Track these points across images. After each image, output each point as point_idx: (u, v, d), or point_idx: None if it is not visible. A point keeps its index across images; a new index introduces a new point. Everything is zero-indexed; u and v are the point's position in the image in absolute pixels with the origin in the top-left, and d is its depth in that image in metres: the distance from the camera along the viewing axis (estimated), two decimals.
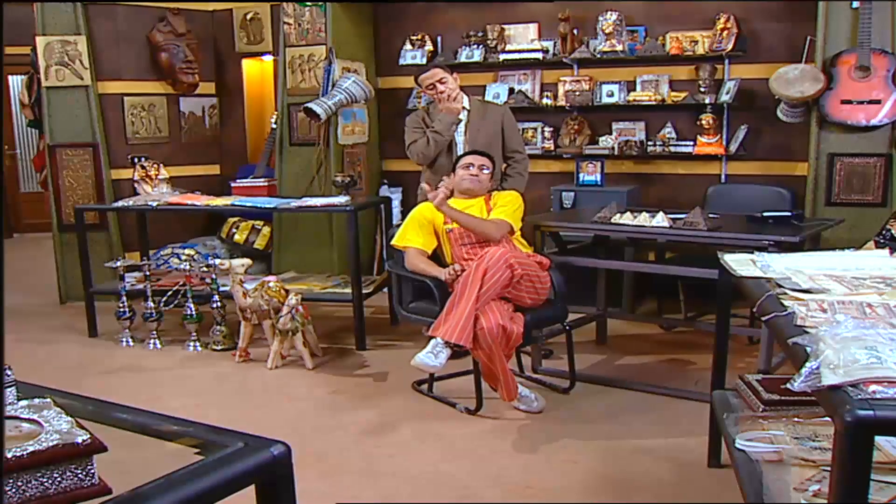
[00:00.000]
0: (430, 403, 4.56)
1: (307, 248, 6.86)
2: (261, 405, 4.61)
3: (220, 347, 5.61)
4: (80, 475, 1.12)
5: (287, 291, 5.24)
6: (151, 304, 5.73)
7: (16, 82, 10.84)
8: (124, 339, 5.83)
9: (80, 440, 1.13)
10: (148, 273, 5.82)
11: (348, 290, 5.62)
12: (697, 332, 5.61)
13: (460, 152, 5.07)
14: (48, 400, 1.29)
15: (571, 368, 4.65)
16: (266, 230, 7.07)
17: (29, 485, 1.09)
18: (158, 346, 5.75)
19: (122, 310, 5.79)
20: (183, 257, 6.60)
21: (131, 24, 7.05)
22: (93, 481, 1.13)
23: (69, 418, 1.21)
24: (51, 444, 1.11)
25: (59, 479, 1.11)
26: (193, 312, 5.65)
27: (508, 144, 5.28)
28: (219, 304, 5.62)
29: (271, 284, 5.25)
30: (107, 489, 1.14)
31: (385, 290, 6.09)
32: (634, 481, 3.56)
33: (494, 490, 3.50)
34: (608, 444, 3.94)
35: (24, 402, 1.28)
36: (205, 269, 5.71)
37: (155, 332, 5.78)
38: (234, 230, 7.14)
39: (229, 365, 5.33)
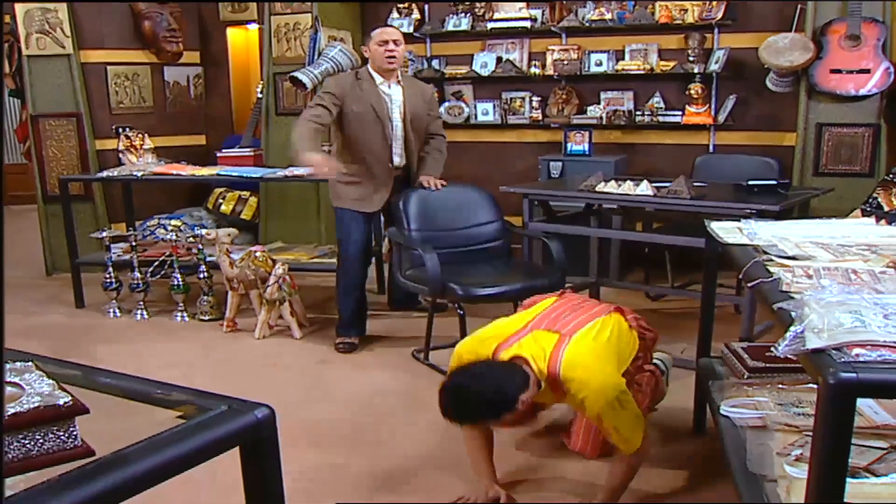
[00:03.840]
0: (423, 372, 4.56)
1: (294, 219, 6.83)
2: (248, 375, 4.61)
3: (207, 318, 5.60)
4: (62, 437, 1.12)
5: (274, 261, 5.23)
6: (138, 275, 5.71)
7: None
8: (111, 310, 5.82)
9: (61, 402, 1.12)
10: (134, 243, 5.79)
11: (335, 261, 5.61)
12: (684, 300, 5.62)
13: (396, 132, 4.85)
14: (30, 364, 1.28)
15: None
16: (253, 200, 7.04)
17: (11, 447, 1.08)
18: (146, 316, 5.73)
19: (108, 280, 5.76)
20: (169, 228, 6.56)
21: None
22: (75, 443, 1.13)
23: (51, 381, 1.21)
24: (32, 405, 1.11)
25: (41, 440, 1.10)
26: (180, 283, 5.64)
27: (432, 127, 5.05)
28: (206, 274, 5.60)
29: (258, 254, 5.24)
30: (90, 451, 1.14)
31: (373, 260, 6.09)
32: None
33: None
34: None
35: (7, 366, 1.27)
36: (191, 239, 5.68)
37: (142, 303, 5.77)
38: (221, 201, 7.10)
39: (217, 335, 5.33)
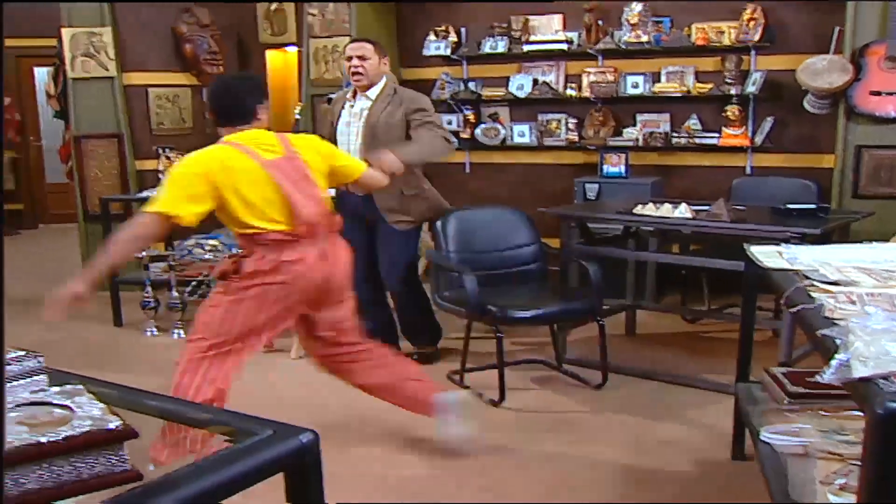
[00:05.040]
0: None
1: None
2: (284, 394, 4.63)
3: None
4: (112, 461, 1.13)
5: None
6: (176, 294, 5.76)
7: (41, 74, 10.90)
8: (148, 329, 5.88)
9: (112, 426, 1.14)
10: (172, 263, 5.85)
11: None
12: (720, 324, 5.58)
13: (351, 146, 4.72)
14: (80, 386, 1.30)
15: (604, 363, 4.61)
16: None
17: (63, 469, 1.10)
18: (182, 335, 5.77)
19: (147, 300, 5.83)
20: (207, 247, 6.62)
21: (156, 16, 7.08)
22: (125, 467, 1.15)
23: (101, 404, 1.22)
24: (84, 429, 1.12)
25: (92, 464, 1.12)
26: None
27: (420, 130, 4.65)
28: None
29: None
30: (138, 475, 1.15)
31: None
32: (659, 474, 3.56)
33: (517, 482, 3.50)
34: (632, 436, 3.94)
35: (56, 388, 1.29)
36: (229, 259, 5.71)
37: (179, 322, 5.82)
38: None
39: (253, 354, 5.34)
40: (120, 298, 6.14)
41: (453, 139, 4.79)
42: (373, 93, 4.76)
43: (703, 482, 3.45)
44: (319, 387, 4.74)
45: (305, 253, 3.33)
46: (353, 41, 5.03)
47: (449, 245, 4.78)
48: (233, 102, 3.44)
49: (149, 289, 5.82)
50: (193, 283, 5.78)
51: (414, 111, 4.68)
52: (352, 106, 4.82)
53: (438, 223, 4.83)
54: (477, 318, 4.38)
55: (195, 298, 5.82)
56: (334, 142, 4.65)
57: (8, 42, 10.42)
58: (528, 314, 4.35)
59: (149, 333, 5.86)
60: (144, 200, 6.30)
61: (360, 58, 4.71)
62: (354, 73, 4.73)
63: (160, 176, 6.43)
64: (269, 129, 3.46)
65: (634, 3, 6.32)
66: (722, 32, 6.15)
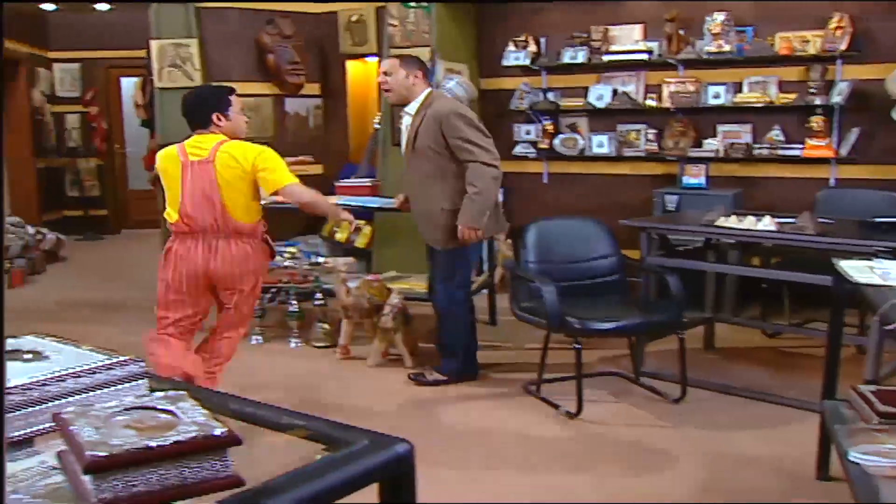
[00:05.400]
0: (532, 405, 4.55)
1: (408, 248, 6.89)
2: (361, 403, 4.67)
3: (321, 344, 5.70)
4: (216, 466, 1.15)
5: (389, 290, 5.30)
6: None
7: (128, 84, 11.22)
8: None
9: (217, 432, 1.16)
10: None
11: None
12: (802, 338, 5.47)
13: (406, 161, 4.89)
14: (183, 392, 1.33)
15: (683, 377, 4.54)
16: (367, 229, 7.15)
17: (170, 473, 1.12)
18: (261, 341, 5.86)
19: None
20: (286, 255, 6.71)
21: (241, 27, 7.24)
22: (228, 473, 1.17)
23: (204, 411, 1.25)
24: (190, 434, 1.15)
25: (197, 469, 1.14)
26: (297, 309, 5.75)
27: (459, 155, 4.61)
28: (321, 301, 5.71)
29: (374, 283, 5.31)
30: (241, 481, 1.17)
31: (485, 291, 6.11)
32: (739, 492, 3.50)
33: (590, 495, 3.48)
34: (711, 452, 3.88)
35: (160, 393, 1.32)
36: (308, 267, 5.81)
37: (258, 328, 5.90)
38: (336, 229, 7.22)
39: (330, 362, 5.41)
40: None
41: (493, 160, 4.58)
42: (412, 108, 4.79)
43: (787, 502, 3.39)
44: (395, 394, 4.79)
45: (192, 245, 3.96)
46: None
47: (528, 255, 4.77)
48: (196, 109, 4.05)
49: None
50: (273, 289, 5.85)
51: (452, 136, 4.59)
52: (404, 121, 4.91)
53: (523, 233, 4.82)
54: (556, 329, 4.36)
55: (274, 305, 5.90)
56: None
57: (98, 54, 10.75)
58: (608, 326, 4.32)
59: None
60: None
61: (385, 73, 4.80)
62: (384, 90, 4.89)
63: None
64: (233, 136, 4.04)
65: (716, 13, 6.25)
66: (807, 41, 6.04)
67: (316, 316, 5.74)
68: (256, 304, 4.52)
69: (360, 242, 7.15)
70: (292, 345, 5.76)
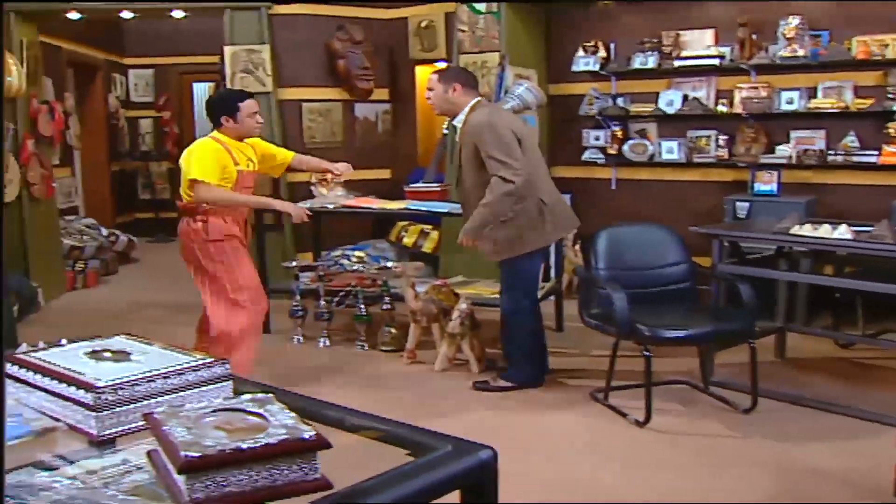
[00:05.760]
0: (600, 412, 4.53)
1: (475, 253, 6.89)
2: (429, 407, 4.68)
3: (387, 348, 5.73)
4: (305, 469, 1.17)
5: (458, 295, 5.31)
6: (324, 304, 5.91)
7: (199, 89, 11.45)
8: (296, 337, 6.03)
9: (306, 436, 1.18)
10: (321, 273, 6.01)
11: None
12: (876, 350, 5.35)
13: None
14: (270, 395, 1.35)
15: (754, 387, 4.45)
16: (434, 234, 7.18)
17: (260, 475, 1.14)
18: (328, 344, 5.92)
19: (295, 308, 5.99)
20: (353, 259, 6.77)
21: (311, 33, 7.33)
22: (316, 476, 1.18)
23: (292, 414, 1.27)
24: (280, 437, 1.17)
25: (286, 471, 1.16)
26: (364, 313, 5.79)
27: (482, 152, 4.65)
28: (389, 305, 5.74)
29: (442, 288, 5.33)
30: (329, 484, 1.18)
31: (552, 297, 6.09)
32: None
33: None
34: (784, 464, 3.81)
35: (247, 397, 1.34)
36: (376, 271, 5.85)
37: (326, 331, 5.95)
38: (404, 233, 7.28)
39: (397, 366, 5.44)
40: (270, 306, 6.31)
41: (512, 175, 4.54)
42: (459, 119, 4.86)
43: None
44: (460, 399, 4.79)
45: None
46: None
47: (598, 262, 4.74)
48: (209, 111, 4.86)
49: (298, 298, 5.99)
50: (341, 293, 5.91)
51: (482, 148, 4.63)
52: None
53: (594, 239, 4.80)
54: (626, 336, 4.33)
55: (342, 308, 5.95)
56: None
57: (171, 59, 10.96)
58: (679, 334, 4.27)
59: (296, 341, 6.01)
60: None
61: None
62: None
63: (311, 188, 6.63)
64: (239, 136, 4.80)
65: (791, 17, 6.14)
66: (886, 45, 5.89)
67: (383, 320, 5.77)
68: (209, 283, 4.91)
69: (427, 247, 7.19)
70: (359, 348, 5.80)
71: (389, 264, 5.71)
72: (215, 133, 4.73)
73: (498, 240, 4.72)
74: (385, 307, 5.75)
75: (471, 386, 4.99)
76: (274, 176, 5.65)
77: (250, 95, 4.95)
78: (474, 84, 4.98)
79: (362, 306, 5.80)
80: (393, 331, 5.74)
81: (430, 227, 7.24)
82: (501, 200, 4.57)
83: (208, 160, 4.61)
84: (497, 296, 5.80)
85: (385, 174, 7.93)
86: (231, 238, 4.76)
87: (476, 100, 4.84)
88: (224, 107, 4.75)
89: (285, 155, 5.22)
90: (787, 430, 4.21)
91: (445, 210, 5.84)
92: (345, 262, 6.77)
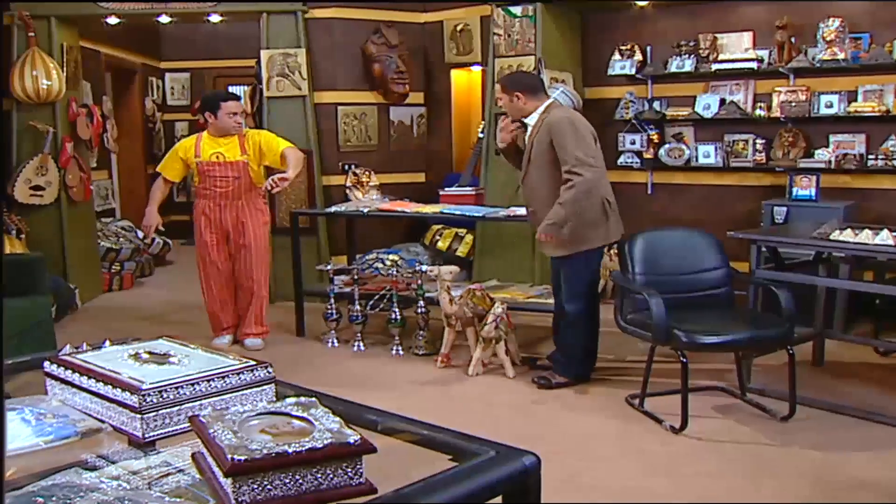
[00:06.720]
0: (635, 418, 4.49)
1: (508, 257, 6.90)
2: (462, 411, 4.68)
3: (422, 352, 5.73)
4: (350, 474, 1.17)
5: (492, 300, 5.29)
6: (358, 307, 5.91)
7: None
8: (330, 340, 6.04)
9: (351, 440, 1.18)
10: (356, 277, 6.02)
11: (552, 301, 5.60)
12: None
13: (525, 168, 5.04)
14: (314, 399, 1.35)
15: (792, 394, 4.40)
16: (468, 238, 7.18)
17: (305, 479, 1.15)
18: (362, 347, 5.92)
19: (329, 311, 6.00)
20: (387, 262, 6.78)
21: (347, 37, 7.36)
22: (360, 480, 1.18)
23: (337, 418, 1.27)
24: (326, 442, 1.17)
25: (331, 475, 1.16)
26: (398, 317, 5.80)
27: (564, 164, 4.72)
28: (423, 309, 5.74)
29: (477, 292, 5.32)
30: (373, 489, 1.18)
31: None
32: None
33: None
34: (822, 474, 3.76)
35: (291, 400, 1.35)
36: (411, 274, 5.85)
37: (360, 335, 5.96)
38: (438, 237, 7.28)
39: (431, 369, 5.43)
40: (304, 309, 6.35)
41: (586, 170, 4.63)
42: (531, 119, 4.95)
43: None
44: (494, 404, 4.78)
45: None
46: None
47: (635, 267, 4.70)
48: (198, 109, 5.43)
49: (332, 301, 6.00)
50: (375, 296, 5.91)
51: (557, 141, 4.74)
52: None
53: (626, 244, 4.77)
54: (662, 342, 4.30)
55: (376, 312, 5.96)
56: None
57: (207, 63, 11.05)
58: (716, 340, 4.22)
59: (330, 344, 6.03)
60: (332, 214, 6.56)
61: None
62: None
63: (346, 192, 6.66)
64: (218, 133, 5.60)
65: (831, 20, 6.07)
66: None
67: (417, 324, 5.77)
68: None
69: (461, 251, 7.19)
70: (393, 352, 5.80)
71: (424, 268, 5.70)
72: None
73: (562, 235, 4.76)
74: (420, 311, 5.74)
75: (532, 382, 5.05)
76: (279, 167, 5.71)
77: (236, 98, 5.64)
78: (539, 86, 5.10)
79: (396, 310, 5.80)
80: (426, 335, 5.74)
81: (464, 230, 7.24)
82: (577, 198, 4.65)
83: (171, 154, 5.73)
84: (532, 300, 5.82)
85: (420, 178, 7.93)
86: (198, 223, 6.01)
87: (550, 101, 5.01)
88: (208, 105, 5.59)
89: (282, 147, 5.74)
90: (826, 439, 4.15)
91: (480, 214, 5.84)
92: (379, 265, 6.79)
